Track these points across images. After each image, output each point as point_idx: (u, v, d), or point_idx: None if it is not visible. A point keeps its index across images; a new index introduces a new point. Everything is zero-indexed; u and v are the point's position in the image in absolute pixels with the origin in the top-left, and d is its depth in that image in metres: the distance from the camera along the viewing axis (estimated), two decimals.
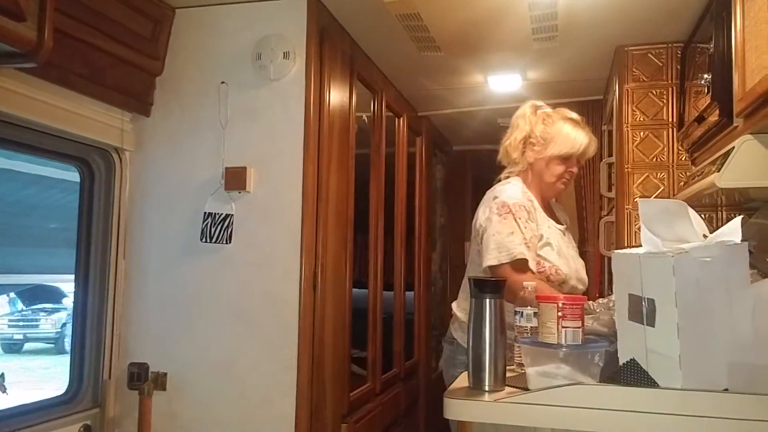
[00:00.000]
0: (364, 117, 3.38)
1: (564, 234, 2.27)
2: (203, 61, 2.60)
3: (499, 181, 2.27)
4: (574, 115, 2.25)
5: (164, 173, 2.61)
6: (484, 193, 2.27)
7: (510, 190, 2.17)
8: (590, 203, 3.87)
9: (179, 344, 2.52)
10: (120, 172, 2.59)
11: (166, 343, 2.54)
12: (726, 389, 1.18)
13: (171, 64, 2.63)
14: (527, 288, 1.74)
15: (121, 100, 2.48)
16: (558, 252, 2.15)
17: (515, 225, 2.06)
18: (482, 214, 2.16)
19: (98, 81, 2.33)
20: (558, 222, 2.29)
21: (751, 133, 1.85)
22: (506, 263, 2.03)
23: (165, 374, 2.51)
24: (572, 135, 2.19)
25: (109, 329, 2.55)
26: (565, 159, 2.20)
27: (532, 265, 2.05)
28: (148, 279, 2.59)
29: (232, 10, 2.58)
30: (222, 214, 2.50)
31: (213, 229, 2.50)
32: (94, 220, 2.58)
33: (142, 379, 2.48)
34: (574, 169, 2.24)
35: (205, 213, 2.51)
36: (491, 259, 2.05)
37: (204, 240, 2.50)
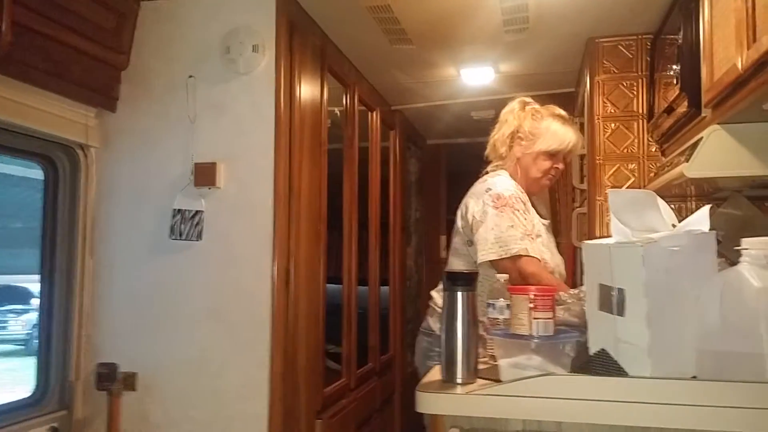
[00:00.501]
0: (337, 111, 3.36)
1: (548, 229, 2.28)
2: (170, 54, 2.56)
3: (486, 173, 2.26)
4: (563, 112, 2.26)
5: (131, 169, 2.56)
6: (459, 187, 2.26)
7: (502, 182, 2.16)
8: (563, 195, 3.89)
9: (149, 343, 2.48)
10: (85, 169, 2.54)
11: (136, 342, 2.49)
12: (694, 377, 1.19)
13: (137, 58, 2.58)
14: (500, 280, 1.73)
15: (85, 95, 2.43)
16: (545, 245, 2.16)
17: (514, 217, 2.05)
18: (475, 206, 2.13)
19: (61, 76, 2.28)
20: (541, 216, 2.30)
21: (719, 123, 1.87)
22: (506, 258, 2.02)
23: (134, 374, 2.47)
24: (560, 131, 2.20)
25: (76, 329, 2.51)
26: (552, 155, 2.20)
27: (535, 253, 2.05)
28: (116, 277, 2.54)
29: (199, 2, 2.54)
30: (192, 210, 2.46)
31: (183, 226, 2.46)
32: (59, 218, 2.52)
33: (111, 380, 2.45)
34: (560, 166, 2.24)
35: (174, 210, 2.47)
36: (491, 253, 2.03)
37: (173, 237, 2.46)
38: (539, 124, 2.21)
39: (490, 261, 2.05)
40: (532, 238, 2.06)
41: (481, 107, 4.00)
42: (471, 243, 2.15)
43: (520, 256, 2.01)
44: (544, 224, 2.25)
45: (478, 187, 2.19)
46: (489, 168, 2.29)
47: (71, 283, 2.52)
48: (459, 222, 2.22)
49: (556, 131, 2.19)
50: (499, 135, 2.27)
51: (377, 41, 2.99)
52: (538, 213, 2.29)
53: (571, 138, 2.21)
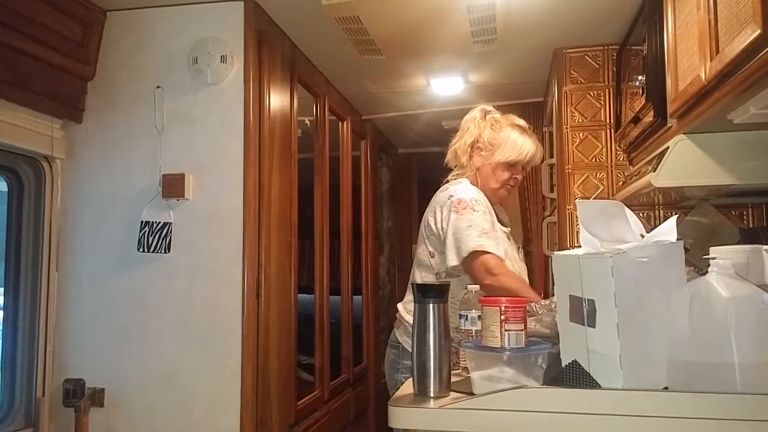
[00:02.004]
0: (307, 121, 3.34)
1: (509, 237, 2.28)
2: (137, 64, 2.53)
3: (447, 182, 2.27)
4: (522, 122, 2.27)
5: (98, 181, 2.52)
6: (430, 195, 2.26)
7: (464, 188, 2.17)
8: (533, 204, 3.92)
9: (117, 358, 2.44)
10: (51, 181, 2.49)
11: (103, 357, 2.45)
12: (666, 388, 1.19)
13: (103, 69, 2.54)
14: (471, 291, 1.73)
15: (50, 107, 2.38)
16: (505, 254, 2.16)
17: (471, 217, 2.07)
18: (439, 215, 2.14)
19: (25, 87, 2.24)
20: (502, 224, 2.30)
21: (684, 133, 1.90)
22: (466, 258, 2.04)
23: (102, 390, 2.42)
24: (519, 142, 2.21)
25: (42, 344, 2.45)
26: (511, 165, 2.21)
27: (497, 251, 2.05)
28: (83, 291, 2.49)
29: (165, 12, 2.51)
30: (160, 222, 2.43)
31: (150, 239, 2.42)
32: (23, 231, 2.47)
33: (78, 396, 2.40)
34: (519, 176, 2.25)
35: (142, 222, 2.43)
36: (452, 258, 2.06)
37: (141, 250, 2.42)
38: (498, 134, 2.22)
39: (455, 266, 2.06)
40: (489, 236, 2.06)
41: (452, 116, 4.00)
42: (433, 254, 2.16)
43: (477, 251, 2.02)
44: (504, 231, 2.25)
45: (441, 196, 2.19)
46: (450, 176, 2.29)
47: (36, 297, 2.47)
48: (423, 231, 2.23)
49: (515, 142, 2.20)
50: (460, 143, 2.28)
51: (347, 52, 2.99)
52: (499, 220, 2.30)
53: (530, 149, 2.21)
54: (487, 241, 2.04)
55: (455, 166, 2.30)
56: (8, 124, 2.24)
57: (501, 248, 2.10)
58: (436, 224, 2.15)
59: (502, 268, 2.04)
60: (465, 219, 2.07)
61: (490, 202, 2.23)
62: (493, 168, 2.21)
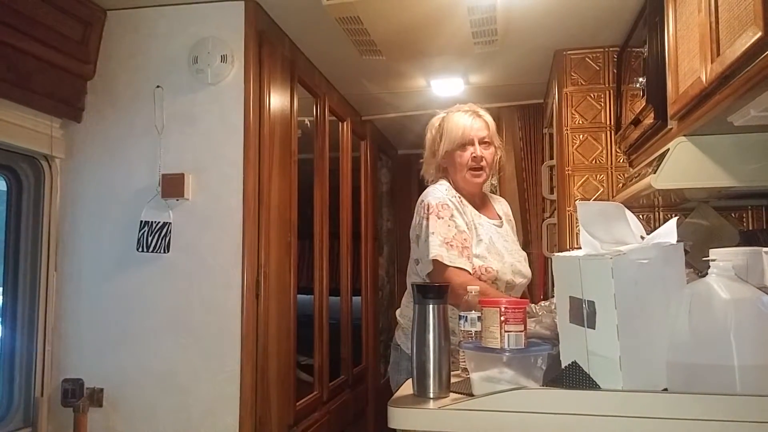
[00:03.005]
0: (307, 121, 3.34)
1: (500, 227, 2.26)
2: (137, 64, 2.52)
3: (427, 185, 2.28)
4: (468, 106, 2.26)
5: (97, 181, 2.52)
6: None
7: (434, 191, 2.17)
8: (533, 205, 3.92)
9: (116, 358, 2.43)
10: (50, 181, 2.49)
11: (102, 357, 2.44)
12: (665, 389, 1.19)
13: (103, 68, 2.54)
14: (471, 292, 1.73)
15: (49, 106, 2.38)
16: (488, 248, 2.13)
17: (436, 225, 2.07)
18: (414, 220, 2.18)
19: (24, 86, 2.23)
20: (494, 216, 2.29)
21: (684, 135, 1.90)
22: (431, 269, 2.05)
23: (101, 390, 2.42)
24: (452, 123, 2.20)
25: (40, 344, 2.45)
26: (462, 146, 2.19)
27: (461, 263, 2.04)
28: (82, 291, 2.49)
29: (166, 12, 2.51)
30: (159, 222, 2.42)
31: (150, 238, 2.42)
32: (22, 230, 2.47)
33: (77, 396, 2.39)
34: (477, 153, 2.18)
35: (141, 222, 2.43)
36: (426, 266, 2.07)
37: (140, 249, 2.42)
38: (441, 128, 2.24)
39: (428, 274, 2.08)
40: (452, 246, 2.04)
41: None
42: (418, 261, 2.16)
43: (436, 261, 2.03)
44: (493, 224, 2.23)
45: (419, 200, 2.21)
46: (427, 180, 2.31)
47: (35, 296, 2.46)
48: (411, 241, 2.25)
49: (451, 126, 2.20)
50: (425, 158, 2.32)
51: (347, 52, 2.99)
52: (491, 211, 2.28)
53: (465, 122, 2.19)
54: (446, 251, 2.03)
55: (430, 177, 2.31)
56: (8, 123, 2.24)
57: (466, 254, 2.07)
58: (413, 230, 2.18)
59: (463, 288, 1.85)
60: (431, 225, 2.08)
61: (470, 189, 2.21)
62: (450, 157, 2.21)
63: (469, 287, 1.75)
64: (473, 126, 2.20)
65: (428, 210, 2.10)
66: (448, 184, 2.21)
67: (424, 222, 2.09)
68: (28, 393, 2.42)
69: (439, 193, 2.15)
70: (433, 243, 2.04)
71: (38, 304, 2.46)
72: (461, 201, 2.16)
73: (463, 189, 2.21)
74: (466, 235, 2.10)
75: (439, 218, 2.08)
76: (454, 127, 2.20)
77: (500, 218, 2.30)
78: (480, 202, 2.27)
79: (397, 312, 2.29)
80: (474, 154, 2.18)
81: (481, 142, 2.20)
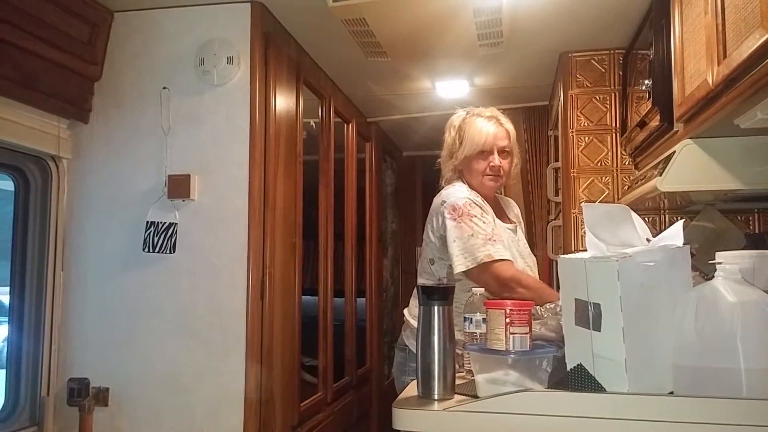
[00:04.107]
0: (312, 123, 3.35)
1: (514, 232, 2.27)
2: (144, 65, 2.53)
3: (442, 186, 2.27)
4: (490, 112, 2.24)
5: (104, 181, 2.53)
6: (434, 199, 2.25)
7: (455, 191, 2.16)
8: (538, 208, 3.92)
9: (121, 358, 2.44)
10: (57, 181, 2.50)
11: (108, 357, 2.45)
12: (671, 392, 1.19)
13: (110, 69, 2.55)
14: (476, 294, 1.73)
15: (56, 107, 2.39)
16: (508, 249, 2.14)
17: (472, 224, 2.04)
18: (435, 223, 2.14)
19: (32, 86, 2.24)
20: (507, 220, 2.29)
21: (691, 138, 1.89)
22: (474, 268, 2.01)
23: (107, 389, 2.43)
24: (476, 130, 2.18)
25: (47, 344, 2.46)
26: (482, 154, 2.18)
27: (506, 254, 2.03)
28: (88, 291, 2.50)
29: (172, 13, 2.52)
30: (165, 222, 2.43)
31: (156, 239, 2.43)
32: (30, 230, 2.48)
33: (83, 395, 2.40)
34: (496, 162, 2.19)
35: (147, 222, 2.44)
36: (459, 265, 2.02)
37: (146, 250, 2.43)
38: (462, 132, 2.21)
39: (463, 273, 2.04)
40: (495, 241, 2.04)
41: None
42: (433, 261, 2.15)
43: (487, 263, 2.00)
44: (509, 228, 2.24)
45: (436, 202, 2.19)
46: (442, 182, 2.29)
47: (42, 296, 2.47)
48: (424, 240, 2.23)
49: (473, 132, 2.18)
50: (442, 158, 2.29)
51: (353, 54, 2.99)
52: (504, 215, 2.29)
53: (487, 131, 2.17)
54: (493, 247, 2.02)
55: (446, 180, 2.30)
56: (15, 124, 2.25)
57: (506, 248, 2.08)
58: (434, 232, 2.15)
59: (515, 281, 2.00)
60: (466, 228, 2.04)
61: (483, 194, 2.22)
62: (468, 163, 2.20)
63: (474, 289, 1.75)
64: (496, 135, 2.18)
65: (455, 211, 2.07)
66: (465, 185, 2.20)
67: (451, 223, 2.06)
68: (34, 392, 2.43)
69: (462, 193, 2.13)
70: (476, 243, 2.01)
71: (45, 304, 2.47)
72: (484, 201, 2.16)
73: (477, 191, 2.20)
74: (498, 229, 2.10)
75: (473, 216, 2.06)
76: (476, 133, 2.18)
77: (514, 223, 2.31)
78: (494, 206, 2.27)
79: (406, 311, 2.27)
80: (492, 164, 2.18)
81: (501, 151, 2.20)
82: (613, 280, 1.20)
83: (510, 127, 2.24)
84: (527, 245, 2.33)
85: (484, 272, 2.00)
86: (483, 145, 2.17)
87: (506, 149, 2.21)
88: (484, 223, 2.06)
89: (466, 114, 2.26)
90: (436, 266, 2.15)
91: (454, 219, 2.07)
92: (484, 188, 2.22)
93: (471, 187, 2.20)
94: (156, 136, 2.48)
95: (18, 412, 2.40)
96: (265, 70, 2.50)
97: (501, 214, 2.29)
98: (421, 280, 2.22)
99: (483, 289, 1.78)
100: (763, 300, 1.16)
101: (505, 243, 2.13)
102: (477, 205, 2.11)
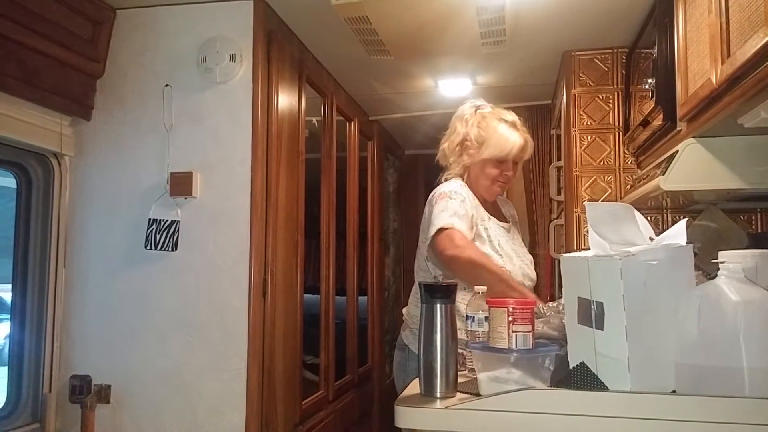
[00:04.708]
0: (315, 121, 3.35)
1: (508, 230, 2.26)
2: (146, 63, 2.53)
3: (440, 183, 2.26)
4: (510, 117, 2.23)
5: (106, 179, 2.52)
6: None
7: (448, 184, 2.16)
8: (540, 207, 3.91)
9: (123, 355, 2.44)
10: (59, 178, 2.50)
11: (110, 354, 2.45)
12: (674, 391, 1.19)
13: (112, 66, 2.55)
14: (478, 292, 1.73)
15: (59, 104, 2.39)
16: (499, 251, 2.13)
17: (446, 204, 2.04)
18: (425, 213, 2.15)
19: (34, 83, 2.24)
20: (502, 219, 2.29)
21: (694, 137, 1.89)
22: (434, 237, 2.01)
23: (108, 386, 2.43)
24: (505, 137, 2.17)
25: (49, 341, 2.46)
26: (499, 162, 2.18)
27: (462, 228, 2.01)
28: (90, 288, 2.50)
29: (175, 11, 2.52)
30: (167, 220, 2.43)
31: (158, 236, 2.43)
32: (32, 227, 2.48)
33: (85, 392, 2.40)
34: (510, 172, 2.21)
35: (149, 219, 2.44)
36: (424, 241, 2.05)
37: (148, 247, 2.43)
38: (485, 131, 2.18)
39: (430, 251, 2.04)
40: (460, 216, 2.02)
41: None
42: (429, 258, 2.15)
43: (443, 228, 1.99)
44: (503, 227, 2.23)
45: (430, 197, 2.18)
46: (442, 177, 2.27)
47: (44, 293, 2.47)
48: (420, 238, 2.22)
49: (500, 137, 2.16)
50: (448, 143, 2.26)
51: (355, 52, 2.99)
52: (499, 214, 2.28)
53: (516, 142, 2.17)
54: (458, 221, 2.00)
55: (445, 166, 2.29)
56: (18, 121, 2.25)
57: (473, 234, 2.07)
58: (423, 223, 2.15)
59: (466, 242, 1.99)
60: (439, 206, 2.05)
61: (485, 197, 2.22)
62: (482, 166, 2.18)
63: (476, 288, 1.75)
64: (521, 147, 2.18)
65: (440, 197, 2.08)
66: (463, 182, 2.20)
67: (434, 205, 2.07)
68: (37, 389, 2.43)
69: (453, 185, 2.14)
70: (442, 216, 2.00)
71: (47, 301, 2.47)
72: (474, 198, 2.16)
73: (478, 193, 2.20)
74: (472, 220, 2.09)
75: (449, 199, 2.06)
76: (501, 141, 2.16)
77: (508, 221, 2.30)
78: (492, 205, 2.27)
79: (404, 310, 2.27)
80: (506, 173, 2.19)
81: (515, 162, 2.20)
82: (616, 279, 1.20)
83: (528, 137, 2.24)
84: (522, 244, 2.32)
85: (437, 236, 1.99)
86: (505, 156, 2.16)
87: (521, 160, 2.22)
88: (459, 205, 2.05)
89: (476, 109, 2.24)
90: (431, 263, 2.14)
91: (436, 203, 2.07)
92: (490, 192, 2.21)
93: (474, 186, 2.19)
94: (158, 133, 2.48)
95: (20, 410, 2.40)
96: (267, 67, 2.50)
97: (497, 213, 2.29)
98: (418, 278, 2.21)
99: (485, 287, 1.78)
100: (766, 299, 1.15)
101: (500, 242, 2.13)
102: (461, 194, 2.10)
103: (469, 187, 2.19)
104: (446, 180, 2.24)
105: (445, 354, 1.42)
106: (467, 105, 2.27)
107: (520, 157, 2.22)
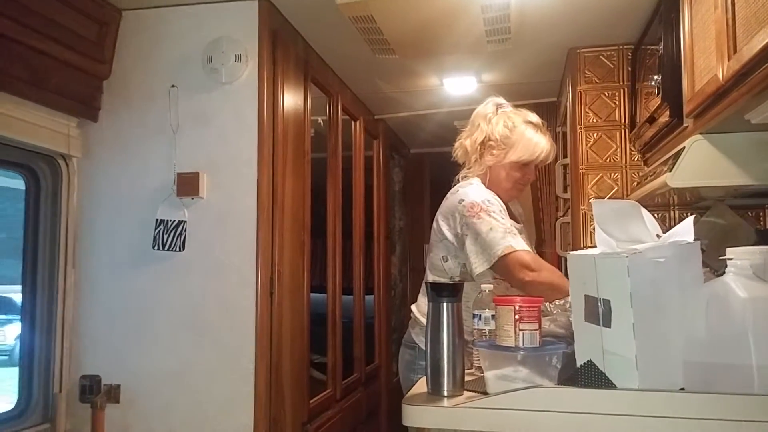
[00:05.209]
0: (320, 120, 3.35)
1: (521, 232, 2.25)
2: (152, 64, 2.54)
3: (458, 182, 2.22)
4: (535, 119, 2.19)
5: (114, 180, 2.54)
6: (442, 196, 2.20)
7: (474, 190, 2.09)
8: (546, 204, 3.91)
9: (132, 355, 2.45)
10: (67, 179, 2.51)
11: (119, 354, 2.46)
12: (682, 389, 1.19)
13: (119, 68, 2.56)
14: (485, 290, 1.73)
15: (66, 105, 2.40)
16: None
17: (491, 220, 1.98)
18: (452, 221, 2.07)
19: (41, 85, 2.25)
20: (515, 218, 2.28)
21: (700, 133, 1.88)
22: (496, 262, 1.95)
23: (118, 386, 2.44)
24: (533, 141, 2.13)
25: (58, 341, 2.47)
26: (524, 165, 2.14)
27: (526, 246, 1.99)
28: (99, 289, 2.51)
29: (180, 11, 2.52)
30: (174, 220, 2.44)
31: (165, 237, 2.44)
32: (40, 228, 2.49)
33: (95, 392, 2.42)
34: (532, 176, 2.20)
35: (157, 220, 2.45)
36: (478, 267, 1.97)
37: (156, 248, 2.44)
38: (512, 132, 2.13)
39: (484, 271, 2.01)
40: (514, 234, 1.99)
41: (465, 116, 3.95)
42: (446, 258, 2.11)
43: (507, 254, 1.94)
44: (517, 228, 2.21)
45: (451, 199, 2.12)
46: (460, 175, 2.22)
47: (53, 294, 2.49)
48: (434, 236, 2.16)
49: (529, 141, 2.12)
50: (471, 140, 2.20)
51: (360, 51, 2.99)
52: (512, 215, 2.27)
53: (543, 147, 2.14)
54: (513, 239, 1.97)
55: (464, 163, 2.26)
56: (25, 123, 2.26)
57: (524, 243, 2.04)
58: (450, 230, 2.08)
59: (539, 263, 1.98)
60: (484, 223, 1.99)
61: (502, 200, 2.20)
62: (507, 168, 2.14)
63: (483, 286, 1.75)
64: (549, 155, 2.16)
65: (474, 208, 2.01)
66: (482, 184, 2.15)
67: (470, 220, 2.01)
68: (47, 389, 2.45)
69: (480, 192, 2.08)
70: (496, 237, 1.95)
71: (56, 302, 2.48)
72: (501, 202, 2.12)
73: (496, 192, 2.15)
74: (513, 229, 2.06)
75: (491, 213, 2.01)
76: (531, 145, 2.13)
77: (520, 222, 2.29)
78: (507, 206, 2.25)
79: (413, 307, 2.24)
80: (528, 176, 2.18)
81: (537, 165, 2.20)
82: (624, 277, 1.20)
83: (552, 140, 2.21)
84: (530, 243, 2.31)
85: (505, 262, 1.95)
86: (534, 160, 2.14)
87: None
88: (502, 218, 2.02)
89: (497, 108, 2.20)
90: (449, 263, 2.10)
91: (473, 216, 2.00)
92: (509, 195, 2.19)
93: (493, 187, 2.15)
94: (165, 134, 2.49)
95: (31, 410, 2.42)
96: (272, 67, 2.51)
97: (510, 212, 2.27)
98: (431, 277, 2.19)
99: (492, 286, 1.77)
100: None
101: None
102: (495, 203, 2.06)
103: (487, 188, 2.16)
104: (464, 178, 2.20)
105: (452, 352, 1.42)
106: (489, 102, 2.24)
107: (544, 162, 2.19)
